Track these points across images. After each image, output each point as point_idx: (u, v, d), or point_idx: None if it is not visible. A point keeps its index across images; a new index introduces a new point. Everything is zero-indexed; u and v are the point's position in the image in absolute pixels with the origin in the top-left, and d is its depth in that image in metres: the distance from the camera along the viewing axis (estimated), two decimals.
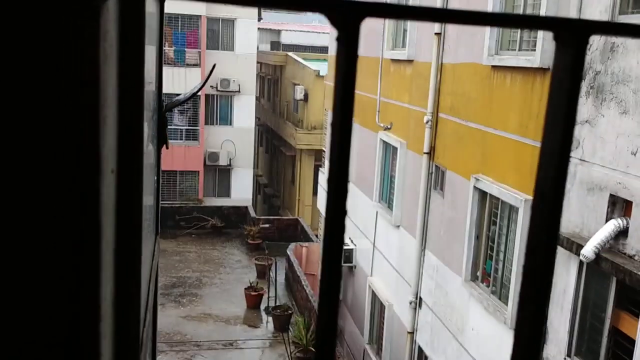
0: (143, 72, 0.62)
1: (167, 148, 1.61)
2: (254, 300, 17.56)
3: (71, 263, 0.39)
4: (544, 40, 7.51)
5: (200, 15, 25.61)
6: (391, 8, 0.32)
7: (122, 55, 0.47)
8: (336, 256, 0.39)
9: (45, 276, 0.40)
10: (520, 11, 8.34)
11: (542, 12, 7.51)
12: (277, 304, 17.14)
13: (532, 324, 0.39)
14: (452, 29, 10.26)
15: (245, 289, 17.81)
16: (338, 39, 0.32)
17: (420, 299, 11.20)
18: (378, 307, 13.38)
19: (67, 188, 0.37)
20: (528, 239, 0.40)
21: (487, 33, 8.84)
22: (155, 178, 1.43)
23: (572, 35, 0.33)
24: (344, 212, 0.34)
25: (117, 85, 0.47)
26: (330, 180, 0.31)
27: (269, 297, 17.47)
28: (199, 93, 25.33)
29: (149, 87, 1.28)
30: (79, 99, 0.35)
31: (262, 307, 17.58)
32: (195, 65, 25.64)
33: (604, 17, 6.49)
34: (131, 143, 0.54)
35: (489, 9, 8.79)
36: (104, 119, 0.37)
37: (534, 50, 7.83)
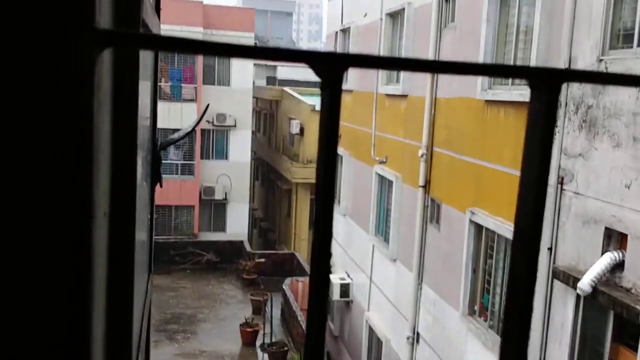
0: (137, 118, 0.64)
1: (160, 186, 1.61)
2: (249, 336, 17.32)
3: (62, 305, 0.40)
4: None
5: None
6: (371, 59, 0.34)
7: (116, 101, 0.49)
8: (323, 286, 0.40)
9: (34, 322, 0.41)
10: (512, 45, 8.49)
11: (534, 46, 7.64)
12: (273, 340, 16.91)
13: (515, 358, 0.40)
14: None
15: (241, 325, 17.59)
16: (322, 88, 0.33)
17: (418, 334, 11.09)
18: (375, 342, 13.22)
19: (58, 232, 0.38)
20: (510, 275, 0.41)
21: None
22: (149, 216, 1.43)
23: (545, 84, 0.34)
24: (328, 257, 0.35)
25: (111, 130, 0.49)
26: (314, 244, 0.32)
27: (264, 334, 17.24)
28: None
29: (144, 122, 1.30)
30: (71, 148, 0.36)
31: (258, 343, 17.34)
32: (191, 100, 25.83)
33: (595, 52, 6.60)
34: (124, 186, 0.55)
35: (481, 45, 8.93)
36: (97, 164, 0.39)
37: (527, 85, 7.94)
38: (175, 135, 2.63)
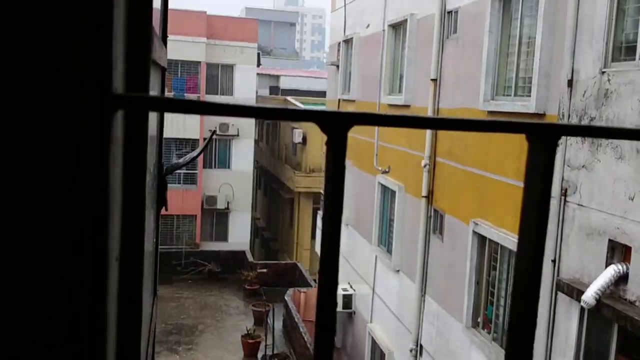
0: (145, 168, 0.66)
1: (166, 210, 1.63)
2: (251, 348, 17.26)
3: (76, 347, 0.41)
4: (539, 86, 7.64)
5: (200, 62, 26.04)
6: (376, 117, 0.35)
7: (127, 151, 0.51)
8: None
9: None
10: (515, 57, 8.51)
11: (537, 58, 7.67)
12: (275, 352, 16.84)
13: None
14: (448, 75, 10.44)
15: (242, 336, 17.53)
16: (327, 144, 0.35)
17: (421, 346, 11.04)
18: (378, 355, 13.17)
19: (73, 281, 0.40)
20: (510, 318, 0.42)
21: (483, 78, 9.00)
22: (154, 240, 1.45)
23: (543, 137, 0.35)
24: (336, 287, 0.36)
25: (122, 179, 0.50)
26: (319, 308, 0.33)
27: (266, 345, 17.19)
28: (197, 137, 25.53)
29: (151, 147, 1.31)
30: (89, 205, 0.38)
31: (260, 355, 17.28)
32: None
33: (597, 64, 6.62)
34: (134, 231, 0.57)
35: (484, 56, 8.96)
36: (111, 215, 0.40)
37: (529, 96, 7.96)
38: (181, 160, 2.66)
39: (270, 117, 0.36)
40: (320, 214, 19.09)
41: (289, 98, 31.04)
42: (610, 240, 6.29)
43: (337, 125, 0.34)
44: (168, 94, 25.56)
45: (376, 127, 13.50)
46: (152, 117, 1.22)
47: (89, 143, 0.38)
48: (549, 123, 0.38)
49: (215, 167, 27.25)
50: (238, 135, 27.00)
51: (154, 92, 1.30)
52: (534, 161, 0.36)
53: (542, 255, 0.36)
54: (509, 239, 8.14)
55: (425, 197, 10.88)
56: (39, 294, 0.40)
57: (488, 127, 0.37)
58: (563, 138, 7.19)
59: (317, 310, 0.38)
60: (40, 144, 0.38)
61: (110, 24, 0.39)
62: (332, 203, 0.34)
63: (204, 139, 26.29)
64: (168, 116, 24.85)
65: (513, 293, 0.40)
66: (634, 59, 6.27)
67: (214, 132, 3.57)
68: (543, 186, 0.36)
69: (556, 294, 7.01)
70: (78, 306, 0.40)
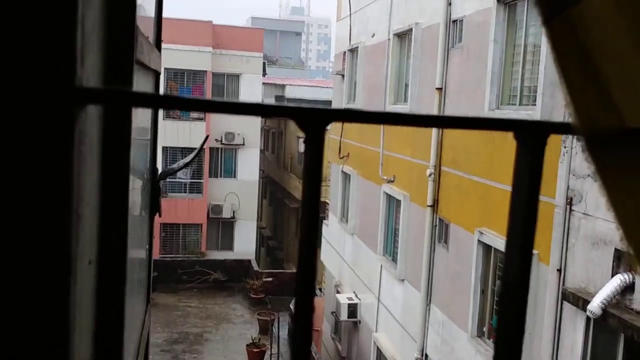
0: (128, 166, 0.64)
1: (160, 216, 1.62)
2: (256, 357, 17.22)
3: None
4: (544, 95, 7.61)
5: (205, 71, 26.14)
6: (354, 113, 0.34)
7: (106, 149, 0.49)
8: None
9: None
10: (520, 66, 8.50)
11: (542, 67, 7.65)
12: None
13: None
14: (453, 84, 10.43)
15: (247, 345, 17.49)
16: (305, 141, 0.33)
17: (426, 355, 10.97)
18: None
19: (34, 289, 0.38)
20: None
21: (488, 87, 8.99)
22: (147, 246, 1.43)
23: (531, 136, 0.34)
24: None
25: (100, 179, 0.49)
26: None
27: (271, 354, 17.14)
28: (202, 147, 25.62)
29: (143, 150, 1.30)
30: (49, 203, 0.37)
31: None
32: (199, 119, 26.00)
33: None
34: (114, 232, 0.55)
35: (489, 65, 8.95)
36: (78, 218, 0.39)
37: (535, 104, 7.93)
38: (175, 166, 2.66)
39: (246, 112, 0.34)
40: (325, 223, 19.07)
41: None
42: (616, 250, 6.24)
43: (314, 122, 0.33)
44: None
45: (381, 137, 13.50)
46: (145, 121, 1.21)
47: (48, 140, 0.36)
48: (537, 120, 0.36)
49: (221, 176, 27.29)
50: (244, 144, 27.06)
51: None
52: (521, 161, 0.35)
53: (530, 259, 0.34)
54: None
55: (430, 206, 10.85)
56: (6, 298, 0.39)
57: (474, 124, 0.36)
58: (568, 147, 7.16)
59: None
60: None
61: (74, 13, 0.38)
62: (308, 201, 0.33)
63: (210, 148, 26.37)
64: (174, 125, 24.92)
65: (500, 300, 0.39)
66: None
67: (206, 138, 3.57)
68: (530, 188, 0.34)
69: (562, 304, 6.95)
70: (44, 311, 0.38)
